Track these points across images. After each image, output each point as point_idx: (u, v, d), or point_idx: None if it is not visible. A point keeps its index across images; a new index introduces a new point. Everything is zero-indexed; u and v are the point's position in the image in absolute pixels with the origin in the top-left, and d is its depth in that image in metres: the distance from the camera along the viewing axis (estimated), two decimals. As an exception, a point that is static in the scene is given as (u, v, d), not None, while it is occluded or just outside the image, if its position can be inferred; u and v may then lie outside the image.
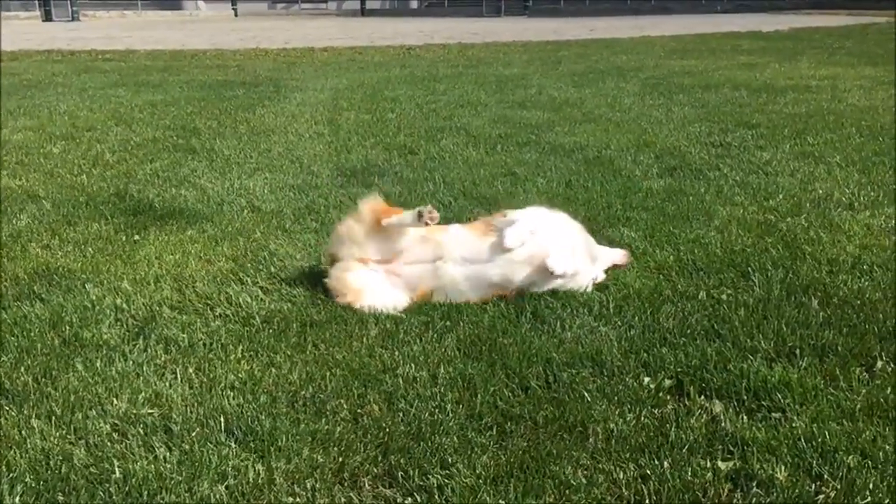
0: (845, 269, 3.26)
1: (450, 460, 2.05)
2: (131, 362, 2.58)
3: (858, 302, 2.93)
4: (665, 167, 5.13)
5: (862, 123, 6.49)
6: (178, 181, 4.95)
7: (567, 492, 1.93)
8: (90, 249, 3.66)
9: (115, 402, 2.33)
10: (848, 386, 2.36)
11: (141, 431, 2.19)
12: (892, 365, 2.47)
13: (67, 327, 2.83)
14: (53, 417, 2.26)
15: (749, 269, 3.27)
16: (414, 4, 44.32)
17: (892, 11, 27.09)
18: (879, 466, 1.98)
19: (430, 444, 2.12)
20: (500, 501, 1.91)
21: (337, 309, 2.96)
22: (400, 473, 2.01)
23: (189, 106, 8.08)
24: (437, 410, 2.28)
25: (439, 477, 1.98)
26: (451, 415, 2.26)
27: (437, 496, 1.93)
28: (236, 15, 37.48)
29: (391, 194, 4.53)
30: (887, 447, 2.05)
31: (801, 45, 14.97)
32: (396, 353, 2.64)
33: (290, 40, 18.59)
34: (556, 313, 2.89)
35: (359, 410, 2.30)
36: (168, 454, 2.09)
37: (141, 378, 2.48)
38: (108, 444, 2.14)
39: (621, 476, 1.98)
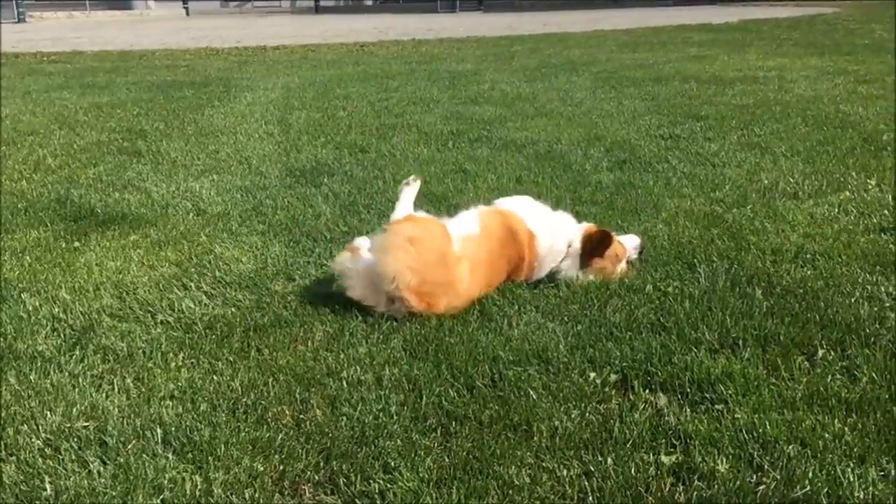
0: (788, 258, 3.30)
1: (393, 464, 2.01)
2: (67, 373, 2.50)
3: (801, 291, 2.96)
4: (615, 160, 5.15)
5: (807, 113, 6.59)
6: (121, 185, 4.83)
7: (510, 492, 1.91)
8: (28, 258, 3.55)
9: (49, 415, 2.26)
10: (789, 375, 2.38)
11: (74, 445, 2.12)
12: (832, 353, 2.50)
13: (1, 339, 2.74)
14: (-17, 434, 2.19)
15: (695, 260, 3.29)
16: (369, 1, 44.13)
17: (839, 2, 27.66)
18: (819, 455, 2.00)
19: (373, 448, 2.09)
20: (443, 504, 1.88)
21: (282, 313, 2.91)
22: (342, 479, 1.97)
23: (136, 107, 7.92)
24: (381, 413, 2.25)
25: (382, 482, 1.95)
26: (395, 417, 2.23)
27: (378, 502, 1.90)
28: (188, 14, 36.92)
29: (340, 193, 4.48)
30: (827, 435, 2.07)
31: (750, 37, 15.21)
32: (342, 355, 2.59)
33: (242, 39, 18.35)
34: (504, 311, 2.88)
35: (301, 416, 2.25)
36: (102, 468, 2.02)
37: (76, 390, 2.40)
38: (40, 459, 2.06)
39: (565, 474, 1.97)
